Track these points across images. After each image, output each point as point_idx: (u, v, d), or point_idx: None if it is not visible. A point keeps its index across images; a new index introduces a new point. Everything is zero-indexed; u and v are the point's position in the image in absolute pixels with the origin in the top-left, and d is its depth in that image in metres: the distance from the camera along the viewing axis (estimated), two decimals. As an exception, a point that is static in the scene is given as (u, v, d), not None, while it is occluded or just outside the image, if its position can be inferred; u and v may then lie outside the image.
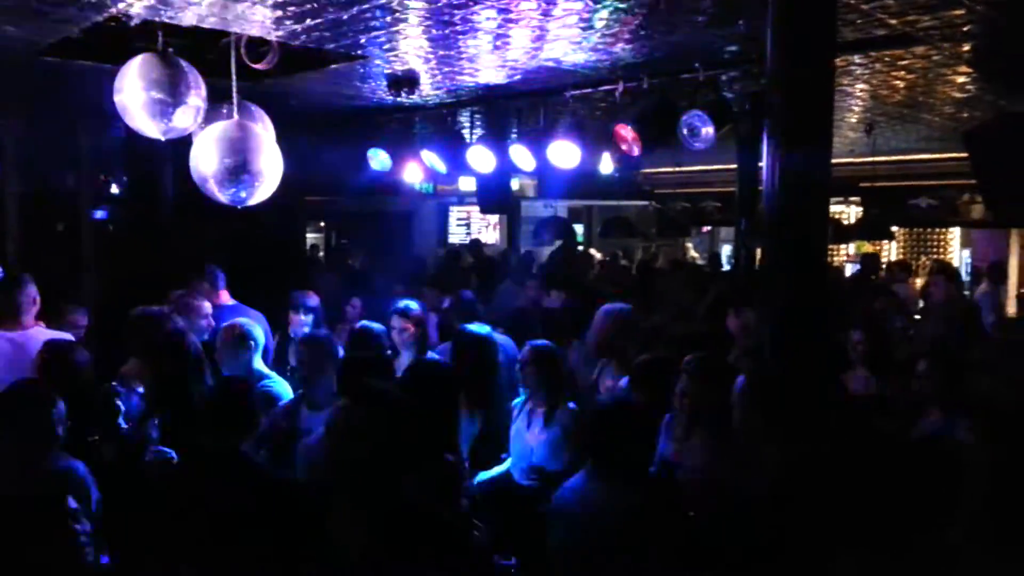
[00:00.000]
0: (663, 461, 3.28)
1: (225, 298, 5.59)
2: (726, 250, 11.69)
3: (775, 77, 3.19)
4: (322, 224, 12.96)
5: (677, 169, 11.16)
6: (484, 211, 9.90)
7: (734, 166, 6.55)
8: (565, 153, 5.72)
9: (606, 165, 6.60)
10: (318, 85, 5.54)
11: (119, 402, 3.61)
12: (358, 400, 2.61)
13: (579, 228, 12.61)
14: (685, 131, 5.08)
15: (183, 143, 4.15)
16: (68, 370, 3.58)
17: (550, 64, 4.89)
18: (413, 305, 4.76)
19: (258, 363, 4.42)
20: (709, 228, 13.59)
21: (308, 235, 12.38)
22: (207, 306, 4.99)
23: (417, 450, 2.57)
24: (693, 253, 13.61)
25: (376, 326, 4.60)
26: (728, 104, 5.20)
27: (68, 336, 4.29)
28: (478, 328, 4.30)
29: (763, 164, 3.23)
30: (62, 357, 3.66)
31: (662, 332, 4.98)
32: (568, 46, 4.46)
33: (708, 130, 4.99)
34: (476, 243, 10.72)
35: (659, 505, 2.74)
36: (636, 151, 5.34)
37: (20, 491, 2.71)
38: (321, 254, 11.94)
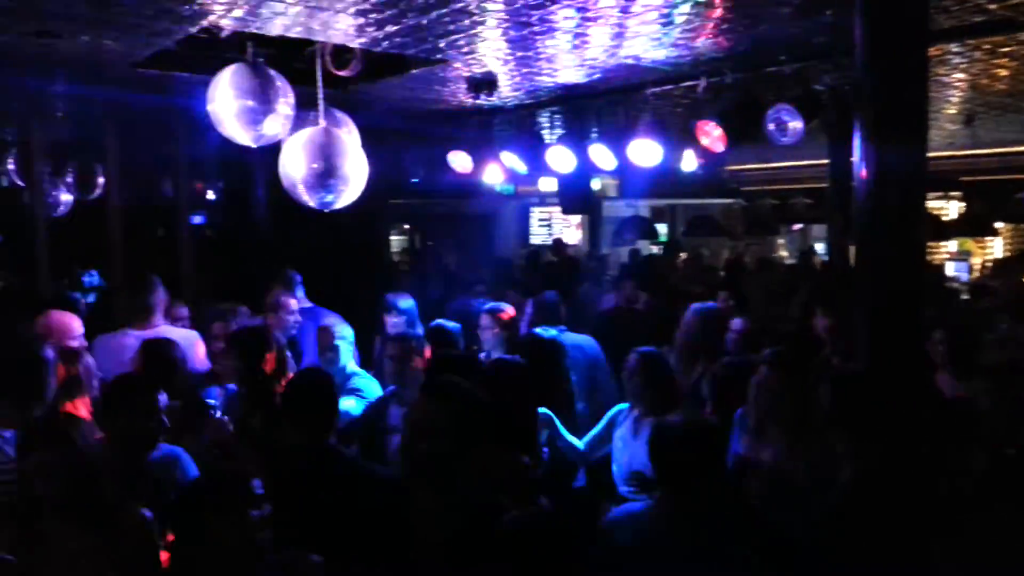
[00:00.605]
0: (737, 458, 3.17)
1: (303, 300, 5.73)
2: (820, 248, 11.30)
3: (866, 68, 3.06)
4: (406, 227, 13.18)
5: (764, 165, 10.86)
6: (565, 212, 9.86)
7: (825, 161, 6.33)
8: (646, 151, 5.64)
9: (689, 163, 6.48)
10: (399, 90, 5.63)
11: (210, 399, 3.76)
12: (432, 394, 2.64)
13: (662, 228, 12.42)
14: (772, 126, 4.94)
15: (273, 150, 4.30)
16: (165, 366, 3.75)
17: (629, 62, 4.84)
18: (504, 306, 4.81)
19: (349, 361, 4.55)
20: (800, 225, 13.16)
21: (393, 238, 12.66)
22: (294, 304, 5.17)
23: (491, 447, 2.57)
24: (783, 252, 13.22)
25: (451, 325, 4.67)
26: (817, 97, 5.02)
27: (194, 335, 4.53)
28: (544, 331, 4.30)
29: (855, 159, 3.10)
30: (160, 353, 3.84)
31: (750, 334, 4.85)
32: (648, 43, 4.40)
33: (796, 124, 4.84)
34: (558, 243, 10.72)
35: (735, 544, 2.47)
36: (720, 148, 5.22)
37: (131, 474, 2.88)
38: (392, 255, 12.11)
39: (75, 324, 4.18)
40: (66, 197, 8.54)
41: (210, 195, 10.47)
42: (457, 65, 4.86)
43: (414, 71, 4.97)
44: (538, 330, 4.37)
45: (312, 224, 7.44)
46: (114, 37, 4.01)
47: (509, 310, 4.76)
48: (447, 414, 2.52)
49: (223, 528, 2.17)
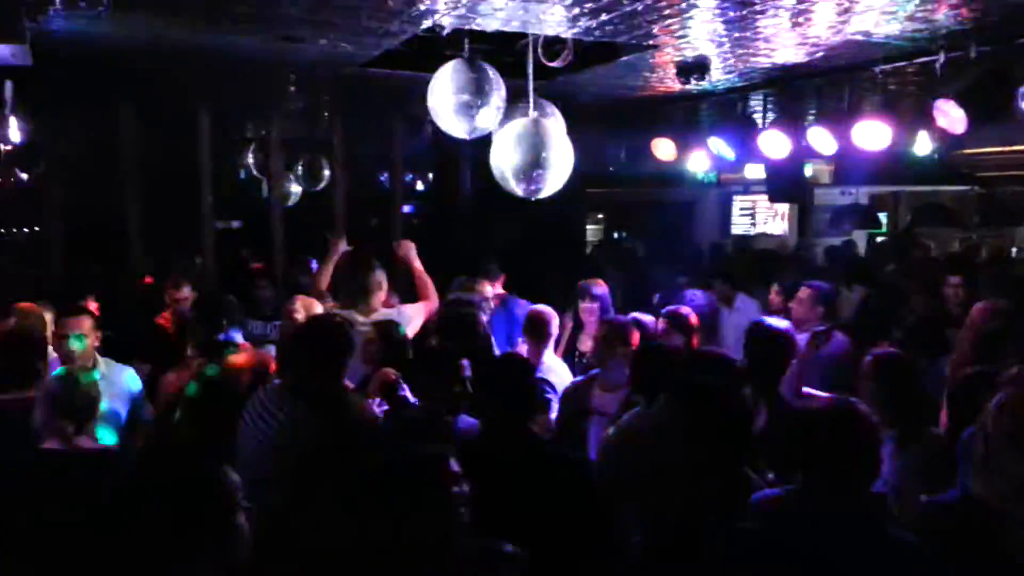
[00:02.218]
0: (965, 495, 2.51)
1: (499, 288, 5.90)
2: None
3: None
4: (600, 216, 13.16)
5: (1008, 149, 9.71)
6: (773, 200, 9.38)
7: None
8: (872, 134, 5.22)
9: (921, 146, 5.91)
10: (607, 78, 5.61)
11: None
12: (684, 397, 2.55)
13: (883, 217, 11.47)
14: (1023, 104, 4.40)
15: (479, 143, 4.45)
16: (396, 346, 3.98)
17: (858, 38, 4.49)
18: (684, 310, 4.66)
19: (548, 352, 4.62)
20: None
21: (589, 226, 12.69)
22: (489, 289, 5.32)
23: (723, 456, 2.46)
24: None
25: (646, 318, 4.59)
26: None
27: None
28: (776, 322, 4.08)
29: None
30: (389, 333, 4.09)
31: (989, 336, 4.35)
32: (880, 16, 4.05)
33: (1052, 102, 4.27)
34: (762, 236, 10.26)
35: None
36: (960, 129, 4.71)
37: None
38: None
39: (317, 307, 4.63)
40: (296, 188, 9.40)
41: (419, 186, 11.05)
42: (668, 50, 4.76)
43: (623, 58, 4.93)
44: (769, 320, 4.16)
45: (512, 213, 7.65)
46: (349, 39, 4.31)
47: (691, 317, 4.58)
48: (702, 419, 2.45)
49: (424, 504, 2.20)
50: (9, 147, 4.27)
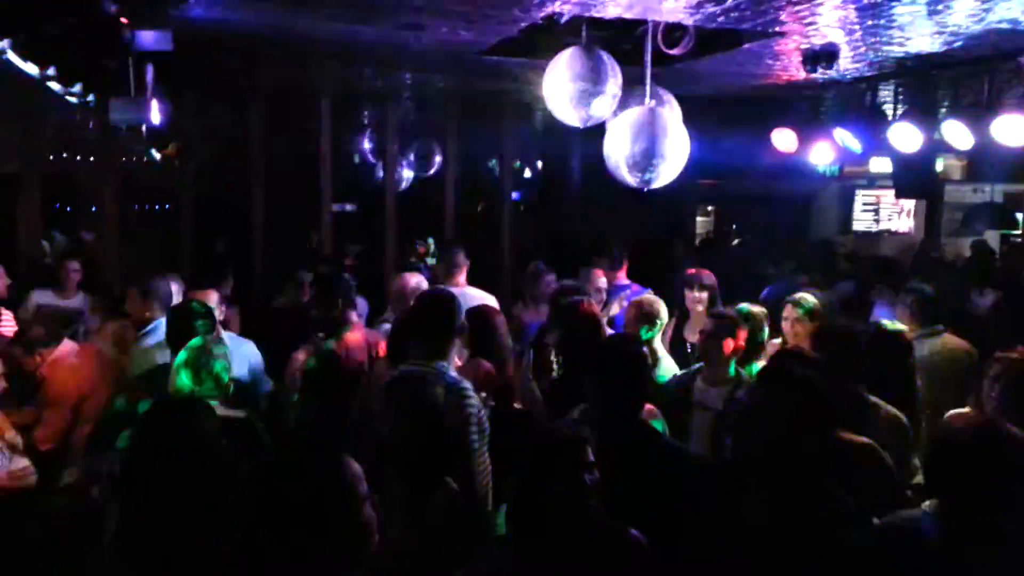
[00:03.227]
0: None
1: (622, 277, 5.82)
2: None
3: None
4: (709, 208, 12.83)
5: None
6: (900, 195, 8.88)
7: None
8: (1013, 129, 4.88)
9: (1068, 142, 5.47)
10: (727, 65, 5.45)
11: None
12: (770, 380, 2.54)
13: (1020, 216, 10.68)
14: None
15: (589, 131, 4.42)
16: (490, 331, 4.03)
17: (1003, 27, 4.19)
18: (809, 298, 4.48)
19: (656, 342, 4.55)
20: None
21: (699, 218, 12.41)
22: (601, 277, 5.27)
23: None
24: None
25: (756, 309, 4.44)
26: None
27: (490, 298, 4.87)
28: (895, 325, 3.88)
29: None
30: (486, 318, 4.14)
31: None
32: (1031, 3, 3.77)
33: None
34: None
35: None
36: (1119, 124, 4.34)
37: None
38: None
39: (412, 283, 4.74)
40: (408, 173, 9.61)
41: (526, 173, 11.09)
42: (795, 37, 4.57)
43: (747, 45, 4.77)
44: (885, 322, 3.98)
45: (620, 203, 7.56)
46: (468, 27, 4.35)
47: (813, 302, 4.40)
48: (781, 400, 2.43)
49: (561, 490, 2.22)
50: (148, 128, 4.50)
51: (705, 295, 5.07)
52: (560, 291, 4.57)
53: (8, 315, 5.40)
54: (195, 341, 3.18)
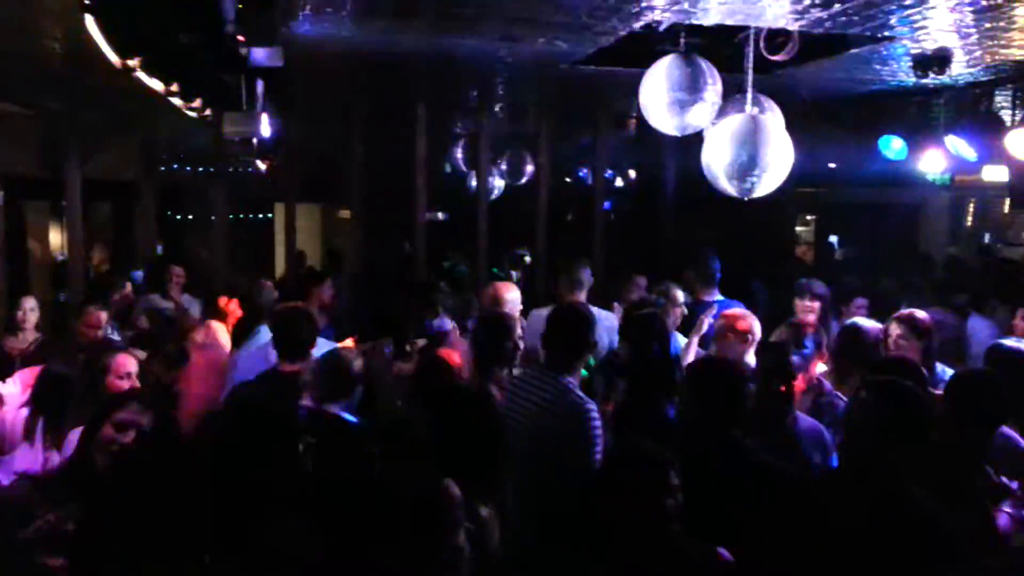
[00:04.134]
0: None
1: (714, 292, 5.61)
2: None
3: None
4: (808, 217, 12.44)
5: None
6: (1016, 206, 8.42)
7: None
8: None
9: None
10: (831, 71, 5.28)
11: None
12: (876, 392, 2.48)
13: None
14: None
15: (685, 140, 4.35)
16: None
17: None
18: (920, 314, 4.27)
19: (750, 356, 4.43)
20: None
21: (798, 228, 12.05)
22: (679, 295, 5.14)
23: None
24: None
25: (870, 325, 4.26)
26: None
27: (612, 316, 4.85)
28: (1018, 343, 3.66)
29: None
30: None
31: None
32: None
33: None
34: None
35: None
36: None
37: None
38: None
39: (509, 295, 4.75)
40: (499, 183, 9.70)
41: (618, 182, 11.02)
42: (905, 42, 4.39)
43: (853, 51, 4.61)
44: (1008, 341, 3.77)
45: (716, 212, 7.42)
46: (565, 38, 4.37)
47: (927, 319, 4.20)
48: (889, 413, 2.35)
49: (636, 510, 2.18)
50: (256, 140, 4.71)
51: (817, 304, 4.92)
52: (633, 306, 4.50)
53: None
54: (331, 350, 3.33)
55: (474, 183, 8.83)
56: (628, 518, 2.21)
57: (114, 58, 2.37)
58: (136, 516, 1.87)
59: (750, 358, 4.36)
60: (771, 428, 3.25)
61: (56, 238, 9.17)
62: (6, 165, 6.37)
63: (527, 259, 9.28)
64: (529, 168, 9.17)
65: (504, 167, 9.49)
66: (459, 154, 9.65)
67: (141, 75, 2.55)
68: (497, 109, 7.67)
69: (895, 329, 4.19)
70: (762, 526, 2.54)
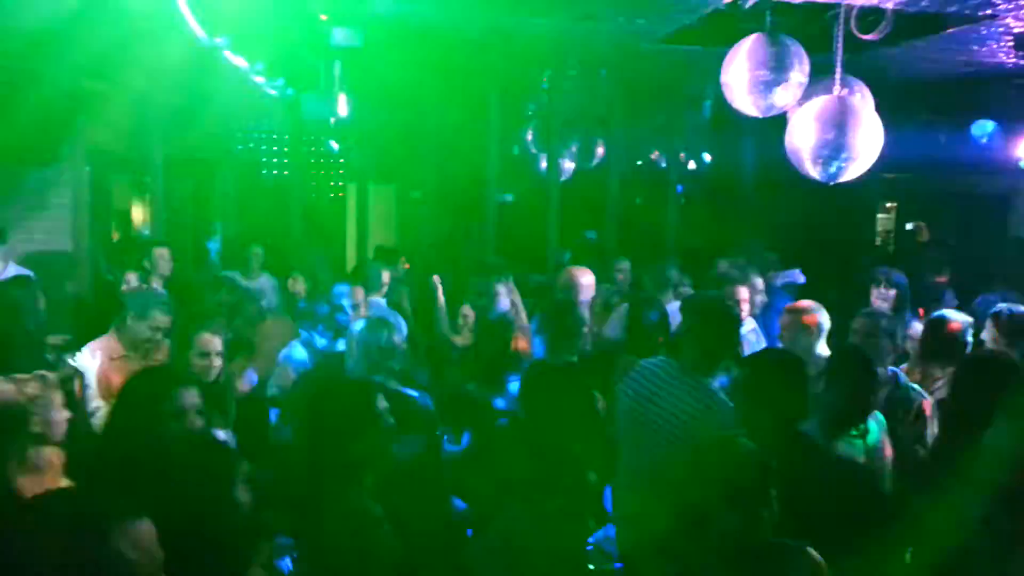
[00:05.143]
0: None
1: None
2: None
3: None
4: (887, 205, 11.95)
5: None
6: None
7: None
8: None
9: None
10: (926, 52, 5.05)
11: None
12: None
13: None
14: None
15: (763, 123, 4.21)
16: None
17: None
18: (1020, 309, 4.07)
19: (821, 348, 4.29)
20: None
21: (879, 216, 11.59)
22: (744, 292, 5.01)
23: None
24: None
25: (959, 317, 4.07)
26: None
27: None
28: None
29: None
30: None
31: None
32: None
33: None
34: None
35: None
36: None
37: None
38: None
39: (584, 280, 4.74)
40: (568, 165, 9.59)
41: (691, 165, 10.78)
42: (1007, 21, 4.15)
43: (951, 30, 4.38)
44: None
45: (795, 196, 7.19)
46: (646, 16, 4.27)
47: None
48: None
49: (738, 514, 2.14)
50: (333, 120, 4.76)
51: (893, 293, 4.75)
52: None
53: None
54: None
55: (543, 165, 8.76)
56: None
57: (203, 36, 2.40)
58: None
59: (821, 349, 4.24)
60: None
61: (138, 214, 9.48)
62: (93, 142, 6.57)
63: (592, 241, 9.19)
64: (600, 150, 9.05)
65: (574, 149, 9.37)
66: (529, 136, 9.57)
67: (227, 53, 2.58)
68: (569, 90, 7.58)
69: (990, 328, 4.01)
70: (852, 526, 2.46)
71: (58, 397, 2.48)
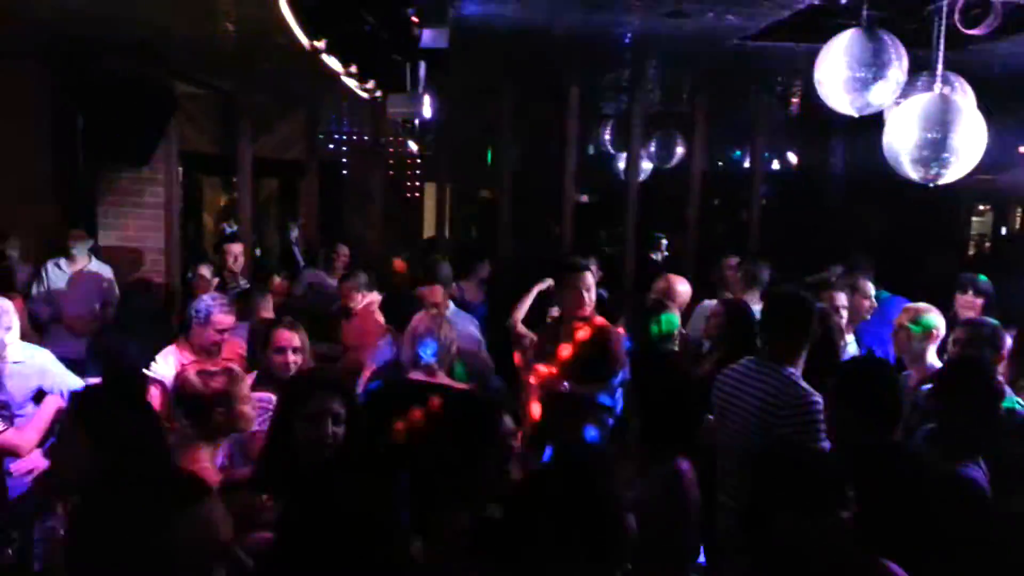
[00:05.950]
0: None
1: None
2: None
3: None
4: (981, 207, 11.43)
5: None
6: None
7: None
8: None
9: None
10: (1030, 47, 4.78)
11: None
12: None
13: None
14: None
15: (854, 123, 4.06)
16: None
17: None
18: None
19: (931, 355, 4.10)
20: None
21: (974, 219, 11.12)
22: (841, 297, 4.78)
23: None
24: None
25: None
26: None
27: None
28: None
29: None
30: None
31: None
32: None
33: None
34: None
35: None
36: None
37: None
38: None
39: (681, 287, 4.74)
40: (647, 164, 9.47)
41: (775, 165, 10.53)
42: None
43: (1062, 23, 4.14)
44: None
45: (886, 198, 6.93)
46: (736, 12, 4.18)
47: None
48: None
49: (808, 527, 2.07)
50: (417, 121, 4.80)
51: (980, 301, 4.54)
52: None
53: None
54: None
55: (621, 164, 8.67)
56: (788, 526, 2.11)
57: (303, 39, 2.45)
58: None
59: (931, 357, 4.05)
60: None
61: (226, 212, 9.83)
62: (185, 143, 6.84)
63: (664, 242, 9.07)
64: (679, 150, 8.91)
65: (653, 149, 9.25)
66: (607, 135, 9.50)
67: (324, 56, 2.63)
68: (649, 89, 7.48)
69: None
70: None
71: (245, 389, 2.69)
